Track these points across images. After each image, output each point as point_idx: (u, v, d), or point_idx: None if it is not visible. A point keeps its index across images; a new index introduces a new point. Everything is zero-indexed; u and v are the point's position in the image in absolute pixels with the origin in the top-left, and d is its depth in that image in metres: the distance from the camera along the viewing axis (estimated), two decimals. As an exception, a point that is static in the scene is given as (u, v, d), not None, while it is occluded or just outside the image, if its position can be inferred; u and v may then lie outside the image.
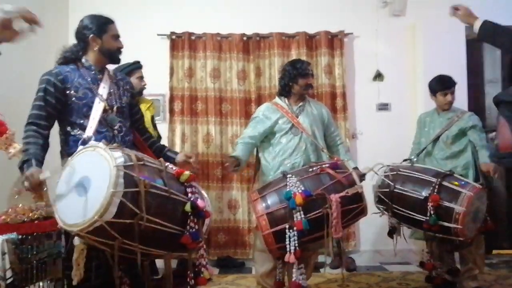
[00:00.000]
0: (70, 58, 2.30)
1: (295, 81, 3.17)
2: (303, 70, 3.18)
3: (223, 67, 4.67)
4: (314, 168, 2.73)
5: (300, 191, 2.54)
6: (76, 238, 1.88)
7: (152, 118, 3.67)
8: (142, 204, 1.81)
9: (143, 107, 3.57)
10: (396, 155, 3.64)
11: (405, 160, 3.54)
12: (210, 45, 4.64)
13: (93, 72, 2.31)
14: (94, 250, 1.97)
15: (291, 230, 2.48)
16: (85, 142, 2.09)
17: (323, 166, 2.73)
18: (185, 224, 1.98)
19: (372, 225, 4.38)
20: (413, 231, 3.51)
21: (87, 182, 1.81)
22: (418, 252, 4.06)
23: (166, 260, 2.07)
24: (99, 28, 2.29)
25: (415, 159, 3.52)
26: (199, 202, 2.01)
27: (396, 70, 4.77)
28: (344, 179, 2.61)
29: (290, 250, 2.47)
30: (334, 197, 2.49)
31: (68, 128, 2.24)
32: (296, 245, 2.48)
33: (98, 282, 2.12)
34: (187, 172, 2.08)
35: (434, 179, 3.03)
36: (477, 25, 2.47)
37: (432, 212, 2.93)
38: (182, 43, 4.64)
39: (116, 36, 2.37)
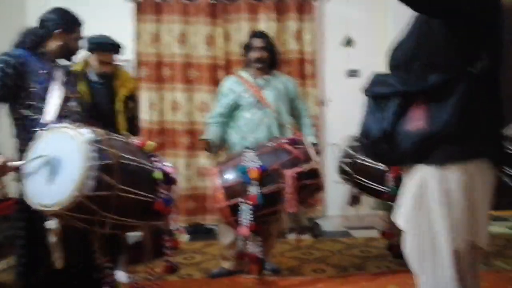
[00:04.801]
0: (32, 42, 2.28)
1: (248, 54, 3.15)
2: (251, 43, 3.16)
3: (190, 31, 4.54)
4: (273, 143, 2.71)
5: (257, 166, 2.53)
6: (49, 222, 1.88)
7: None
8: (117, 176, 1.88)
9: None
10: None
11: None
12: (177, 9, 4.48)
13: (47, 59, 2.32)
14: (73, 233, 1.98)
15: (245, 204, 2.49)
16: (45, 125, 2.08)
17: (282, 141, 2.71)
18: (156, 192, 2.07)
19: (339, 190, 4.40)
20: (376, 204, 3.55)
21: (58, 162, 1.84)
22: (383, 217, 4.12)
23: (143, 231, 2.16)
24: (68, 27, 2.33)
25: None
26: (167, 169, 2.12)
27: (367, 35, 4.68)
28: (301, 154, 2.59)
29: (242, 223, 2.49)
30: (289, 172, 2.48)
31: (26, 112, 2.22)
32: (251, 218, 2.49)
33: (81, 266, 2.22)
34: (151, 143, 2.17)
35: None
36: None
37: (392, 183, 2.96)
38: (147, 7, 4.47)
39: (80, 38, 2.41)
